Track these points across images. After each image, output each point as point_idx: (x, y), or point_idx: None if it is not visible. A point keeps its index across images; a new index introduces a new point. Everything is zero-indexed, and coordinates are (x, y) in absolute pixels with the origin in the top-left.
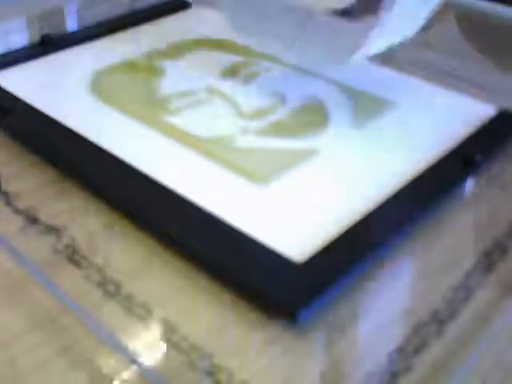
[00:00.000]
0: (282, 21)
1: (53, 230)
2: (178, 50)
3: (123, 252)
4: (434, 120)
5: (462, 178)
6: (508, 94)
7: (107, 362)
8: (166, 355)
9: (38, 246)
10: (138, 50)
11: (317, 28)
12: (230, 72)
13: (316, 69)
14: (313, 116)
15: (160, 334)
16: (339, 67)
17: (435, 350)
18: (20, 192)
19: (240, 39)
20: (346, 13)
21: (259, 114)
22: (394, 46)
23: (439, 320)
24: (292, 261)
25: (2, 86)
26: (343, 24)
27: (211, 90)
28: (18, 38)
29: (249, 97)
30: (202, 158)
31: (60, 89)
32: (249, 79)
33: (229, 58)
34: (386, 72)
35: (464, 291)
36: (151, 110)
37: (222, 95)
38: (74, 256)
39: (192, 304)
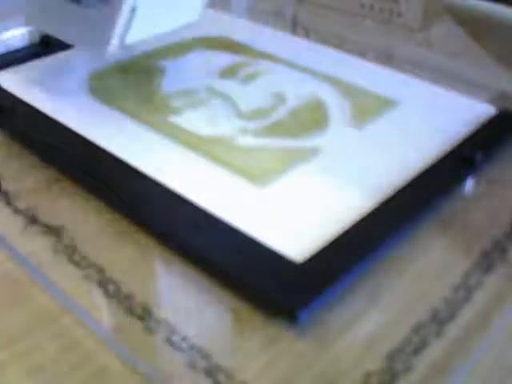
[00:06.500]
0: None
1: (53, 230)
2: (177, 50)
3: (123, 252)
4: (433, 120)
5: (462, 178)
6: (508, 94)
7: (107, 362)
8: (166, 355)
9: (38, 246)
10: (137, 50)
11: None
12: (230, 72)
13: (316, 68)
14: (313, 116)
15: (160, 334)
16: (330, 65)
17: (435, 350)
18: (20, 192)
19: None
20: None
21: (259, 114)
22: (154, 35)
23: (439, 320)
24: (292, 261)
25: (2, 86)
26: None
27: (211, 90)
28: (18, 38)
29: (248, 97)
30: (201, 157)
31: (60, 89)
32: (248, 79)
33: (229, 58)
34: (386, 72)
35: (464, 291)
36: (151, 109)
37: (222, 95)
38: (74, 256)
39: (192, 304)
